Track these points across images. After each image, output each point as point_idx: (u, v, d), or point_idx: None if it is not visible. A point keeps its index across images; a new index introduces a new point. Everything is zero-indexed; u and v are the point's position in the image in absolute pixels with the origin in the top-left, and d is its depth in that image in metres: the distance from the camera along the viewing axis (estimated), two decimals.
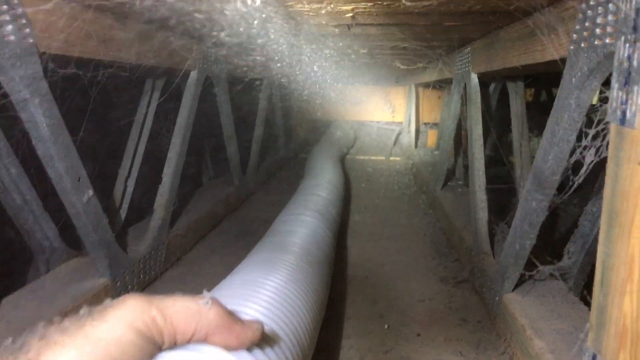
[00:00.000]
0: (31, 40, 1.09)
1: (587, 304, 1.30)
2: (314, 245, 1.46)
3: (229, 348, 0.59)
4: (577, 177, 1.07)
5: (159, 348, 0.53)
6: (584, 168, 1.04)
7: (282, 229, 1.54)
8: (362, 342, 1.40)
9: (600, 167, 1.01)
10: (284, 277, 1.05)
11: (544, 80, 3.17)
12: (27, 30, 1.07)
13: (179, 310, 0.54)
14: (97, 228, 1.38)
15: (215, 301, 0.58)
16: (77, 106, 1.49)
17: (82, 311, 0.50)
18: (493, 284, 1.48)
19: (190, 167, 2.85)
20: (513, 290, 1.38)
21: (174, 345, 0.54)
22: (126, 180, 2.00)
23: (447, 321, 1.52)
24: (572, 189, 1.09)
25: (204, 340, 0.57)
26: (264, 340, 0.72)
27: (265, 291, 0.95)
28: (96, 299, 1.39)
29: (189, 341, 0.55)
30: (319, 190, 2.24)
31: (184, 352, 0.56)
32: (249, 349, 0.64)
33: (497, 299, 1.43)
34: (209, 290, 0.63)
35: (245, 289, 0.95)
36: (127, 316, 0.50)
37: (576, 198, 1.19)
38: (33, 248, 1.49)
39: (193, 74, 1.95)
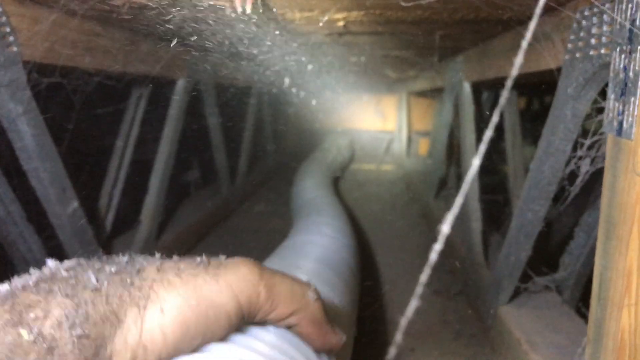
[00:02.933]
0: (15, 49, 1.06)
1: (583, 316, 1.28)
2: None
3: (312, 345, 0.58)
4: (573, 187, 1.06)
5: (246, 319, 0.52)
6: (580, 178, 1.03)
7: None
8: (355, 357, 1.37)
9: (595, 177, 1.00)
10: None
11: (537, 89, 3.18)
12: (11, 38, 1.05)
13: (285, 291, 0.53)
14: (82, 240, 1.35)
15: (319, 294, 0.56)
16: (62, 116, 1.46)
17: (199, 259, 0.49)
18: (488, 296, 1.46)
19: (178, 176, 2.82)
20: (508, 302, 1.36)
21: (264, 321, 0.53)
22: (112, 191, 1.97)
23: (441, 335, 1.49)
24: (569, 199, 1.07)
25: (293, 326, 0.55)
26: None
27: None
28: None
29: (279, 322, 0.54)
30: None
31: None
32: (328, 355, 0.62)
33: (491, 311, 1.41)
34: None
35: None
36: (237, 286, 0.49)
37: (571, 208, 1.18)
38: (16, 261, 1.45)
39: (180, 82, 1.92)
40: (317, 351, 0.59)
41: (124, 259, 0.48)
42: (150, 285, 0.45)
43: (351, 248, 1.47)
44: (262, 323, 0.54)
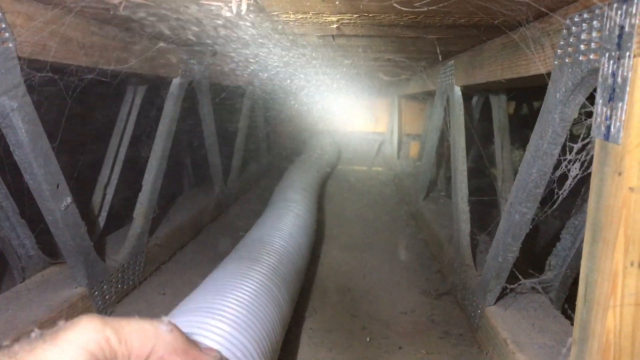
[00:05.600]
0: (10, 45, 1.07)
1: (569, 317, 1.30)
2: None
3: None
4: (562, 190, 1.07)
5: None
6: (568, 182, 1.04)
7: None
8: (343, 355, 1.39)
9: (582, 180, 1.02)
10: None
11: (526, 93, 3.21)
12: (6, 34, 1.05)
13: (134, 331, 0.52)
14: (75, 236, 1.35)
15: (173, 325, 0.56)
16: (56, 112, 1.46)
17: (33, 334, 0.48)
18: (475, 297, 1.47)
19: (171, 174, 2.82)
20: (495, 303, 1.38)
21: None
22: (105, 188, 1.97)
23: (429, 334, 1.51)
24: (557, 202, 1.09)
25: None
26: None
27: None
28: (73, 309, 1.36)
29: None
30: (258, 265, 1.36)
31: None
32: None
33: (479, 311, 1.43)
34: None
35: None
36: (80, 338, 0.48)
37: (557, 211, 1.19)
38: (9, 256, 1.45)
39: (175, 81, 1.93)
40: None
41: None
42: None
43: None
44: None
